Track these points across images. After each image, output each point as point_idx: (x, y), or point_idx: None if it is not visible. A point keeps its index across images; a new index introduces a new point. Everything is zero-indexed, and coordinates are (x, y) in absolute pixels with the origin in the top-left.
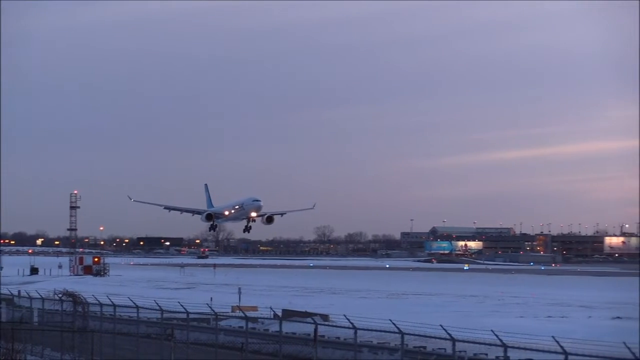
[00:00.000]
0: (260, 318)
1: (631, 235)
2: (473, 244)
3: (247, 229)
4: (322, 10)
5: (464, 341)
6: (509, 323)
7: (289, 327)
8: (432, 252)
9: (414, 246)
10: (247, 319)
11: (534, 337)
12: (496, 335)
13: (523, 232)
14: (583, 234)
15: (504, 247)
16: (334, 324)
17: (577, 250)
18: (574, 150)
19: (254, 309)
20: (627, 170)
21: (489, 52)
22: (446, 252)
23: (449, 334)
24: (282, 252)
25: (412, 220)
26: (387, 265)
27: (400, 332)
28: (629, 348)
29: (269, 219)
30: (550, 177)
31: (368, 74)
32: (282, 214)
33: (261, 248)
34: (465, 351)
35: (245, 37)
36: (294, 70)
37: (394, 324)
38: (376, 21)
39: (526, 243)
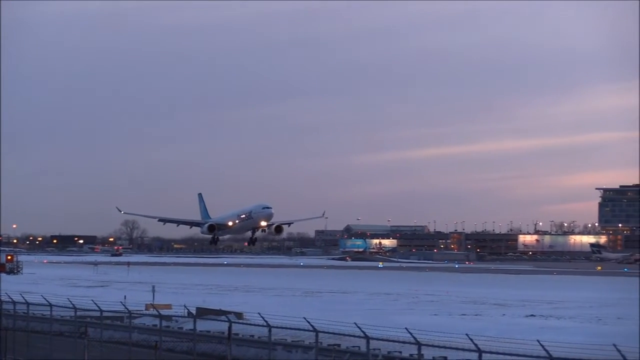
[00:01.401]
0: (174, 316)
1: (545, 233)
2: (387, 242)
3: (252, 241)
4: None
5: (378, 339)
6: (423, 321)
7: (203, 325)
8: (347, 250)
9: (328, 244)
10: (161, 317)
11: (448, 335)
12: (410, 333)
13: (437, 230)
14: (497, 231)
15: (418, 245)
16: (248, 322)
17: (491, 248)
18: (487, 149)
19: (168, 307)
20: (539, 169)
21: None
22: (360, 250)
23: (363, 332)
24: (196, 250)
25: (326, 218)
26: (302, 263)
27: (314, 330)
28: (542, 346)
29: (278, 229)
30: (464, 176)
31: (276, 70)
32: (289, 224)
33: (175, 246)
34: (379, 349)
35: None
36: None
37: (308, 322)
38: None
39: (440, 241)
